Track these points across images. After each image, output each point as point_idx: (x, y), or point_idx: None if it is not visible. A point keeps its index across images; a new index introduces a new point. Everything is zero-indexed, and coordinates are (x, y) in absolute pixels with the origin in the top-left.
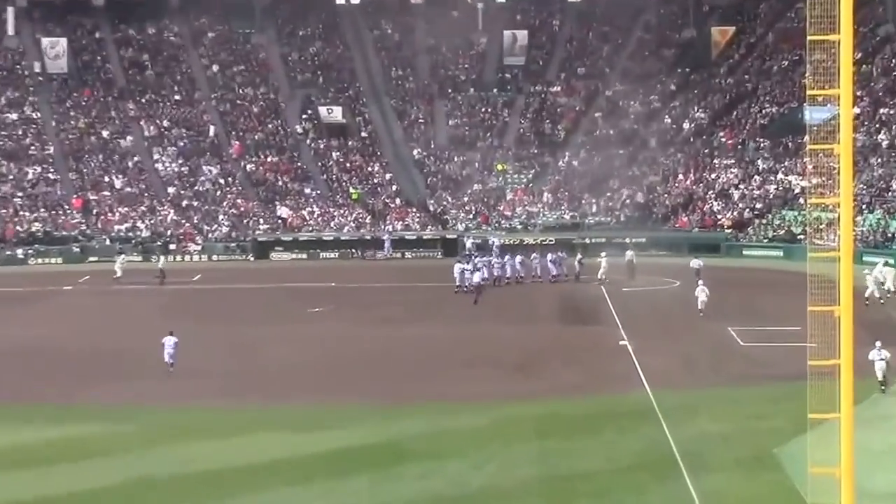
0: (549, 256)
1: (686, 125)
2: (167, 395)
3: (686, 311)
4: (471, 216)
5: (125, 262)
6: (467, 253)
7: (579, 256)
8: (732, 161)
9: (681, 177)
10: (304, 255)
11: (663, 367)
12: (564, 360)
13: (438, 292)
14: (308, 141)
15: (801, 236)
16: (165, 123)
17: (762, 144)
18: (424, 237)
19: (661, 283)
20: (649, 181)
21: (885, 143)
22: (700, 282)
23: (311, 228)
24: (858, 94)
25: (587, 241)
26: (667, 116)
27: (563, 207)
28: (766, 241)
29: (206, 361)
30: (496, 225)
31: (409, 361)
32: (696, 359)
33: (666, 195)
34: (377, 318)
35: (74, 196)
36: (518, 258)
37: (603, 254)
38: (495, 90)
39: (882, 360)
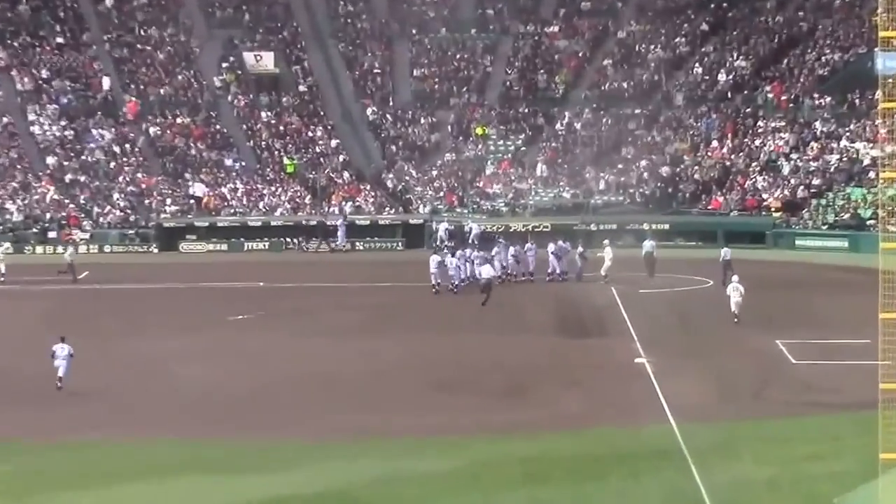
0: (551, 247)
1: (722, 77)
2: (51, 425)
3: (721, 318)
4: (441, 195)
5: (6, 255)
6: (438, 244)
7: (580, 248)
8: (782, 124)
9: (715, 144)
10: (224, 246)
11: (692, 392)
12: (564, 382)
13: (402, 294)
14: (230, 97)
15: (872, 221)
16: (44, 74)
17: (821, 102)
18: (381, 222)
19: (688, 283)
20: (674, 150)
21: None
22: (734, 278)
23: (233, 211)
24: None
25: (593, 227)
26: (697, 65)
27: (561, 184)
28: (825, 227)
29: (101, 384)
30: (473, 207)
31: (364, 385)
32: (735, 382)
33: (696, 168)
34: (321, 328)
35: None
36: (511, 250)
37: (605, 243)
38: (473, 31)
39: None
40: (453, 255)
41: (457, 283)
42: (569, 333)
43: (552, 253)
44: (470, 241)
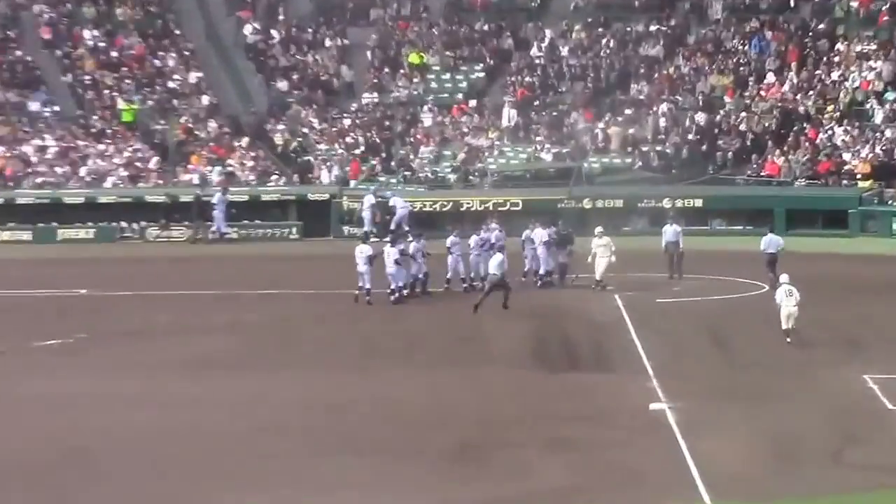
0: (542, 235)
1: None
2: None
3: (781, 342)
4: (354, 156)
5: None
6: (368, 230)
7: (553, 232)
8: (873, 47)
9: (771, 78)
10: (27, 234)
11: (736, 455)
12: (545, 440)
13: (301, 306)
14: (36, 7)
15: None
16: None
17: None
18: (265, 197)
19: (731, 288)
20: (709, 87)
21: None
22: (783, 277)
23: (40, 181)
24: None
25: (586, 204)
26: None
27: (538, 139)
28: None
29: None
30: (405, 175)
31: (240, 446)
32: (803, 439)
33: (742, 114)
34: (174, 359)
35: None
36: (477, 238)
37: (599, 231)
38: None
39: None
40: (393, 245)
41: (400, 285)
42: (553, 366)
43: (543, 242)
44: (393, 226)
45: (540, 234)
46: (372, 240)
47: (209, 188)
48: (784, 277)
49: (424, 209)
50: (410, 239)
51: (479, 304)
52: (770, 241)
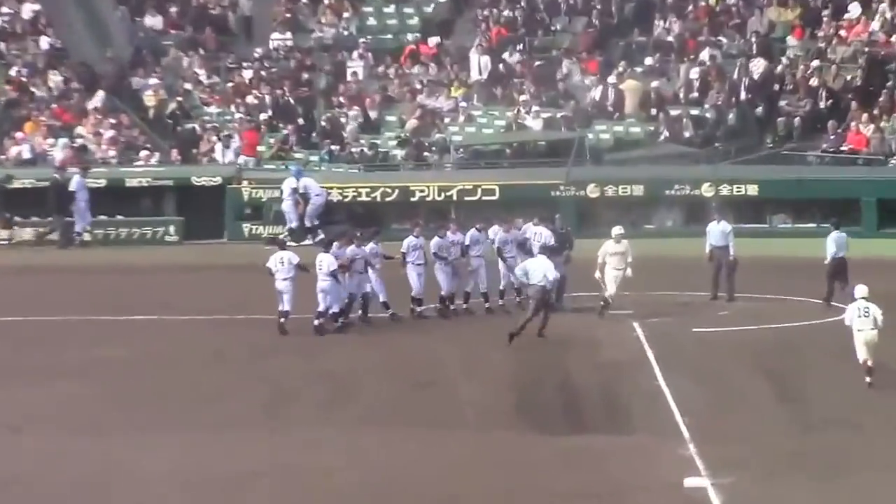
0: (544, 237)
1: None
2: None
3: (862, 388)
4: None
5: None
6: (291, 229)
7: (549, 234)
8: None
9: (855, 11)
10: None
11: None
12: None
13: (189, 338)
14: None
15: None
16: None
17: None
18: (131, 183)
19: (798, 313)
20: (766, 24)
21: None
22: (858, 290)
23: None
24: None
25: (591, 192)
26: None
27: (522, 99)
28: None
29: None
30: (330, 150)
31: None
32: None
33: (815, 63)
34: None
35: None
36: (441, 241)
37: (616, 232)
38: None
39: None
40: (327, 250)
41: (335, 309)
42: (547, 425)
43: (542, 247)
44: (308, 222)
45: (542, 235)
46: (288, 243)
47: (67, 171)
48: (860, 290)
49: (359, 198)
50: (321, 236)
51: (520, 328)
52: (840, 241)
